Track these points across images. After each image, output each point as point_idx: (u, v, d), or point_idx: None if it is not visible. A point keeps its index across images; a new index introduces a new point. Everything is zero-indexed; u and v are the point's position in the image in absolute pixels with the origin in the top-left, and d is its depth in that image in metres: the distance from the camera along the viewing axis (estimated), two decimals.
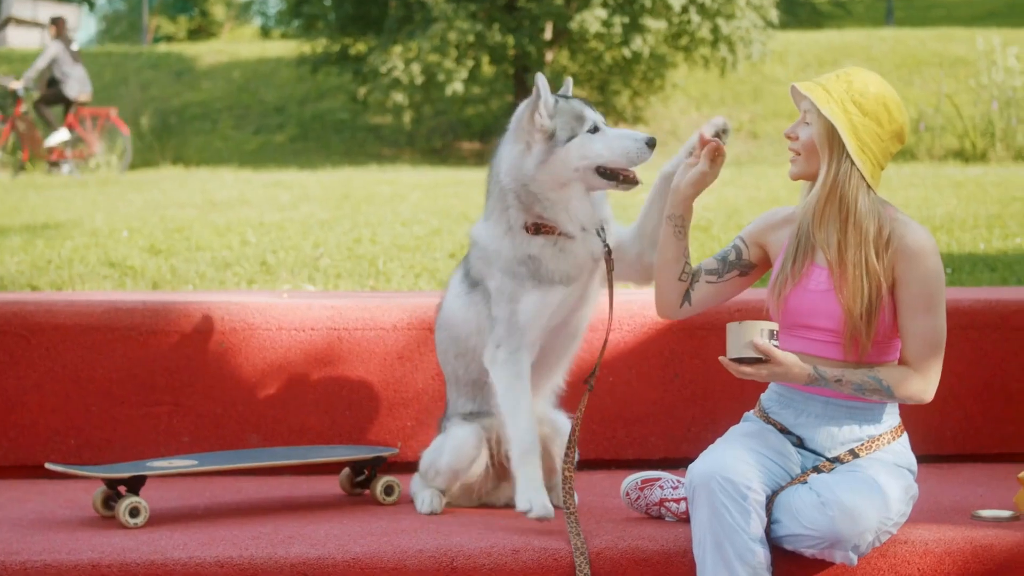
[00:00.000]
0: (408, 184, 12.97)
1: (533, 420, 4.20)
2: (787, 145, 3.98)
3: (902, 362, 3.92)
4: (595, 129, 4.10)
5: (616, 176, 4.11)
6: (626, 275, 4.31)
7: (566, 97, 4.16)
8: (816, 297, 3.92)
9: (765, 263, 4.14)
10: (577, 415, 4.22)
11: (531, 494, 4.12)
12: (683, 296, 4.12)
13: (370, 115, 21.13)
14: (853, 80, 3.88)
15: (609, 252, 4.19)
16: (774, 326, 3.77)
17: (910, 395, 3.87)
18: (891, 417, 4.00)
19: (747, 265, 4.13)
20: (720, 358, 3.81)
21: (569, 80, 4.29)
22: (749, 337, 3.74)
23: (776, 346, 3.76)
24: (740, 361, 3.77)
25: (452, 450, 4.36)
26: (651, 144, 4.08)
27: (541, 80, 4.08)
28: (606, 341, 4.29)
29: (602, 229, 4.20)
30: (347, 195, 11.82)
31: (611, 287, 4.23)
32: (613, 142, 4.09)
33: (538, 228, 4.15)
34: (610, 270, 4.19)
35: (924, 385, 3.88)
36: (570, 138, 4.08)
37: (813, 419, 3.97)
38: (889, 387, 3.84)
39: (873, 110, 3.85)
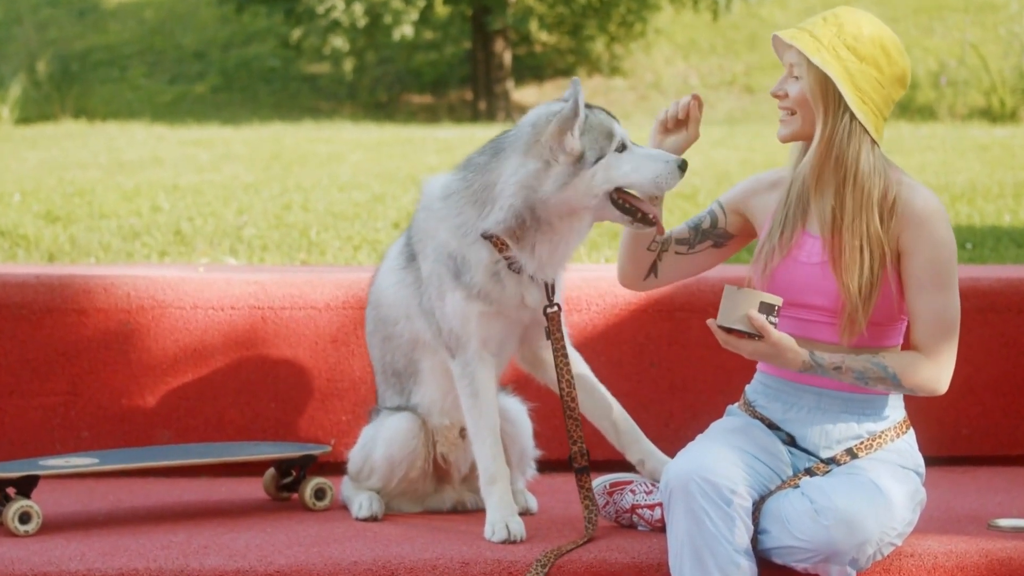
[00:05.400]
0: (348, 143, 12.94)
1: (497, 443, 4.25)
2: (777, 104, 4.00)
3: (910, 347, 3.94)
4: (623, 147, 4.05)
5: (635, 212, 4.06)
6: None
7: (589, 107, 4.06)
8: (809, 271, 3.95)
9: (745, 235, 4.17)
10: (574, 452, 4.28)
11: (498, 519, 4.17)
12: (650, 267, 4.16)
13: (304, 63, 21.05)
14: (843, 22, 3.89)
15: (558, 311, 4.21)
16: (778, 301, 3.79)
17: (920, 384, 3.89)
18: (895, 411, 4.03)
19: (722, 235, 4.16)
20: (708, 321, 3.82)
21: (576, 80, 4.11)
22: (746, 309, 3.77)
23: (774, 323, 3.79)
24: (729, 331, 3.81)
25: (387, 440, 4.40)
26: (683, 168, 4.01)
27: (579, 92, 4.02)
28: (565, 411, 4.28)
29: (553, 285, 4.21)
30: (277, 155, 11.80)
31: (558, 353, 4.24)
32: (642, 163, 4.02)
33: (490, 237, 4.12)
34: (556, 330, 4.21)
35: (937, 373, 3.90)
36: (598, 159, 4.02)
37: (805, 413, 4.00)
38: (896, 375, 3.87)
39: (870, 54, 3.87)
